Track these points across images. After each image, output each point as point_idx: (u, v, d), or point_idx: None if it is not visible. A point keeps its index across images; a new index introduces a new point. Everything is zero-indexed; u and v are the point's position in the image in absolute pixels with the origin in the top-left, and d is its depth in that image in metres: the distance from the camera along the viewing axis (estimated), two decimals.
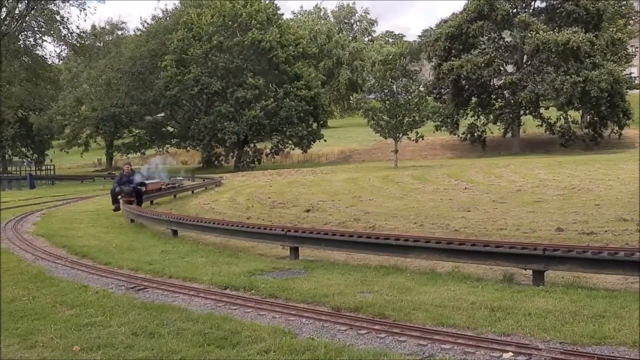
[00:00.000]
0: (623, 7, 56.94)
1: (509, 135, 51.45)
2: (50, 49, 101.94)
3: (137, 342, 5.29)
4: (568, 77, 42.99)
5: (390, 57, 37.66)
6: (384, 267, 8.43)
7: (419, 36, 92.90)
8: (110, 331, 5.68)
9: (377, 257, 8.95)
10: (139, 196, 18.04)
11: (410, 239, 8.33)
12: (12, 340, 5.52)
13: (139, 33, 62.40)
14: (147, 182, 19.96)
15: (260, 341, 5.17)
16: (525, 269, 7.25)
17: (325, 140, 54.36)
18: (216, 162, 55.91)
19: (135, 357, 4.88)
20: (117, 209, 17.66)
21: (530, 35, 44.80)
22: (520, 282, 7.23)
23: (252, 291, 7.30)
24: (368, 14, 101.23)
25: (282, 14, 58.76)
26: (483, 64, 47.51)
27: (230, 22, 50.97)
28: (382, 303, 6.32)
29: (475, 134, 50.31)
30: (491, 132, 50.86)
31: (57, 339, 5.46)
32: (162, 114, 57.09)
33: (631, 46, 53.66)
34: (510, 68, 51.35)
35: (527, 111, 49.60)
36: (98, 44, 62.57)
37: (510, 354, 4.63)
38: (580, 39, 43.12)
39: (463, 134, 50.97)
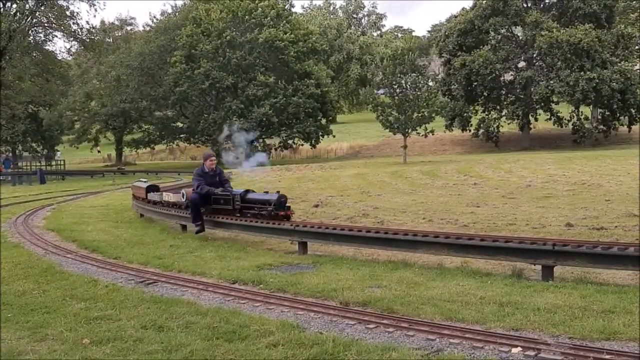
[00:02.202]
0: (635, 1, 56.34)
1: (517, 130, 51.20)
2: (60, 45, 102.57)
3: (146, 335, 5.32)
4: (582, 73, 42.71)
5: (399, 52, 37.52)
6: (393, 262, 8.42)
7: (428, 31, 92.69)
8: (120, 324, 5.71)
9: (385, 252, 8.94)
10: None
11: (419, 234, 8.32)
12: (23, 333, 5.57)
13: (148, 29, 62.60)
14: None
15: (268, 335, 5.18)
16: (535, 264, 7.22)
17: (334, 136, 54.30)
18: None
19: (144, 351, 4.91)
20: (202, 229, 11.50)
21: (542, 34, 44.47)
22: (530, 278, 7.20)
23: (261, 285, 7.32)
24: (376, 8, 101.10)
25: (293, 7, 58.72)
26: (495, 60, 47.22)
27: (245, 17, 50.88)
28: (391, 298, 6.31)
29: (488, 130, 49.72)
30: (502, 127, 50.56)
31: (66, 332, 5.50)
32: (171, 111, 57.13)
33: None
34: (521, 64, 51.00)
35: (538, 107, 49.25)
36: (107, 39, 62.86)
37: (519, 349, 4.62)
38: (592, 39, 42.77)
39: (475, 129, 50.63)
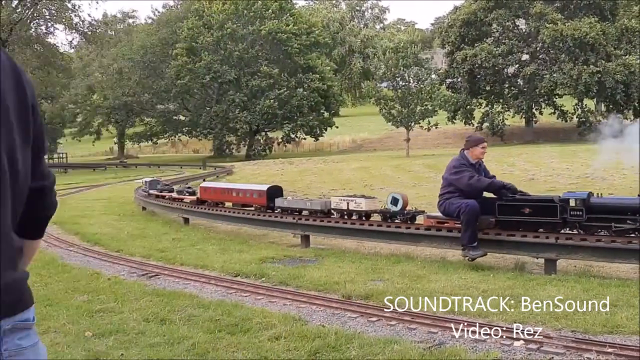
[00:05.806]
0: None
1: (522, 123, 51.08)
2: (61, 37, 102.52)
3: (149, 328, 5.31)
4: (585, 67, 42.60)
5: (402, 45, 37.44)
6: (395, 255, 8.41)
7: (432, 24, 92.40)
8: (122, 317, 5.71)
9: (388, 246, 8.93)
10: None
11: (422, 227, 8.30)
12: None
13: (149, 22, 62.52)
14: None
15: (271, 328, 5.17)
16: (537, 258, 7.20)
17: (337, 127, 54.25)
18: (227, 150, 56.01)
19: (146, 343, 4.91)
20: (483, 251, 7.36)
21: (547, 26, 44.26)
22: (532, 271, 7.18)
23: (263, 279, 7.31)
24: (379, 0, 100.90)
25: (296, 3, 58.62)
26: (498, 53, 47.01)
27: (244, 10, 50.77)
28: (393, 291, 6.29)
29: (493, 124, 49.48)
30: (506, 119, 50.41)
31: (69, 324, 5.50)
32: (173, 104, 57.10)
33: None
34: (524, 57, 50.77)
35: (542, 100, 49.05)
36: (109, 32, 62.78)
37: (521, 342, 4.61)
38: (596, 32, 42.59)
39: (478, 123, 50.45)
